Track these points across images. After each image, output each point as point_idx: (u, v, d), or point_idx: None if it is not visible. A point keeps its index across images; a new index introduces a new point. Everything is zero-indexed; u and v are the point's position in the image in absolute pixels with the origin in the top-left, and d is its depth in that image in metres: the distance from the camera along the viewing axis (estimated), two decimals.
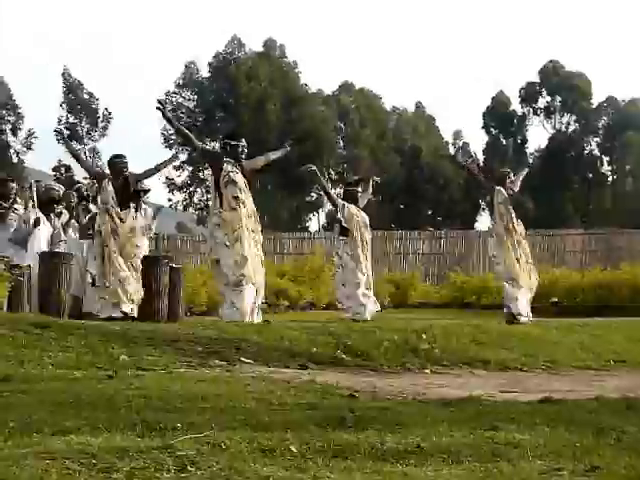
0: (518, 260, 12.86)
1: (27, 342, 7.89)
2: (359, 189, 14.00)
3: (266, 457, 3.84)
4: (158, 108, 11.07)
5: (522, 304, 12.81)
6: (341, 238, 13.31)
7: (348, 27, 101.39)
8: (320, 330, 9.77)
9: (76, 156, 12.08)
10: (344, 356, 8.88)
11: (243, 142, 11.33)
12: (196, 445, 3.94)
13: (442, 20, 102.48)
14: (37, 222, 11.85)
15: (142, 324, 9.67)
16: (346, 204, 13.37)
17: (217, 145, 11.41)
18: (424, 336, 9.87)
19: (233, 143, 11.20)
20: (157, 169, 12.13)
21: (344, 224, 13.26)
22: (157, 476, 3.40)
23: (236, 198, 10.81)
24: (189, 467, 3.55)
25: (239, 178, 10.92)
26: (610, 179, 69.59)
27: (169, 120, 11.19)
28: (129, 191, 11.21)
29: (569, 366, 9.62)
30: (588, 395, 6.64)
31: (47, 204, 12.13)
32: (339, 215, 13.42)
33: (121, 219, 11.01)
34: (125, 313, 10.77)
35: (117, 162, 11.45)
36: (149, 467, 3.51)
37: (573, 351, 10.43)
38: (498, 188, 13.04)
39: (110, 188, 10.98)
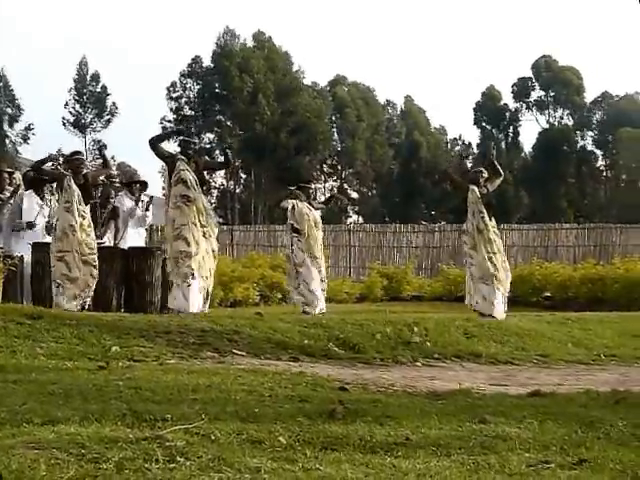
0: (490, 259, 12.96)
1: (19, 332, 7.90)
2: (312, 186, 14.30)
3: (255, 448, 3.85)
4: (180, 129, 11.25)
5: (496, 302, 12.88)
6: (294, 235, 13.39)
7: (339, 20, 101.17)
8: (312, 323, 9.78)
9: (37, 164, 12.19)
10: (336, 349, 8.90)
11: (196, 140, 11.66)
12: (186, 436, 3.95)
13: (433, 14, 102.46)
14: (30, 226, 12.01)
15: (134, 316, 9.68)
16: (297, 204, 13.41)
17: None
18: (416, 329, 9.89)
19: (181, 139, 11.39)
20: (109, 166, 13.53)
21: (295, 225, 13.34)
22: (146, 466, 3.41)
23: (183, 196, 10.88)
24: (178, 458, 3.56)
25: (189, 176, 10.99)
26: (604, 174, 69.71)
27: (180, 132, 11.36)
28: (89, 188, 11.40)
29: (560, 360, 9.64)
30: (578, 389, 6.66)
31: (38, 184, 12.29)
32: (289, 217, 13.48)
33: (83, 216, 11.14)
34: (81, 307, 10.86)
35: (75, 160, 11.61)
36: (138, 457, 3.52)
37: (564, 345, 10.46)
38: (472, 187, 13.14)
39: (74, 187, 11.10)
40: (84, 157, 12.20)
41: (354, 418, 4.67)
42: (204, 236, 11.02)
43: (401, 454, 3.90)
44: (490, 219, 13.13)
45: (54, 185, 12.67)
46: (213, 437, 3.98)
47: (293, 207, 13.40)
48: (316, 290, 13.22)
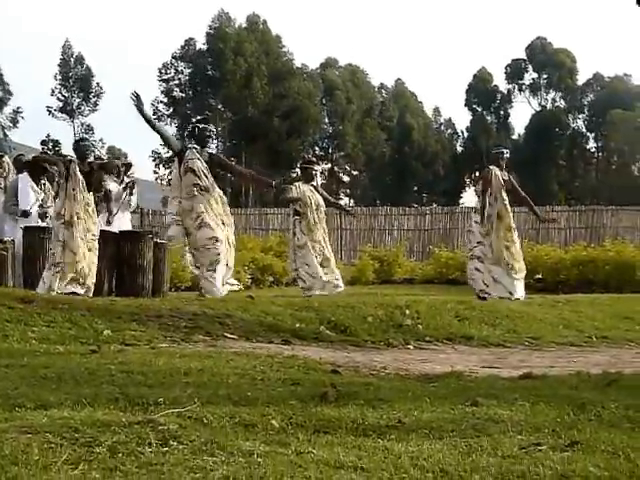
0: (508, 248, 12.80)
1: (11, 317, 7.88)
2: (315, 167, 14.12)
3: (248, 432, 3.85)
4: (134, 99, 11.07)
5: (500, 286, 12.78)
6: (295, 217, 13.30)
7: (331, 2, 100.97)
8: (304, 306, 9.79)
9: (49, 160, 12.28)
10: (328, 332, 8.91)
11: (211, 127, 11.47)
12: (178, 419, 3.95)
13: None
14: (25, 214, 12.07)
15: (126, 299, 9.67)
16: (300, 186, 13.30)
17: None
18: (408, 312, 9.91)
19: (202, 126, 11.30)
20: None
21: (297, 208, 13.23)
22: (139, 450, 3.41)
23: (195, 185, 10.84)
24: (171, 441, 3.56)
25: (198, 165, 10.95)
26: (595, 156, 69.79)
27: (142, 113, 11.13)
28: (92, 177, 11.46)
29: (552, 342, 9.67)
30: (569, 371, 6.68)
31: (35, 170, 12.31)
32: (292, 195, 13.33)
33: (88, 203, 11.19)
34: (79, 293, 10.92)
35: (82, 146, 11.65)
36: (131, 441, 3.52)
37: (556, 327, 10.49)
38: (494, 170, 12.90)
39: (80, 175, 11.14)
40: (90, 143, 12.32)
41: (346, 401, 4.68)
42: (222, 224, 11.06)
43: (394, 437, 3.91)
44: (508, 206, 12.91)
45: (54, 170, 12.70)
46: (206, 421, 3.99)
47: (297, 189, 13.29)
48: (315, 273, 13.14)
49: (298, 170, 13.74)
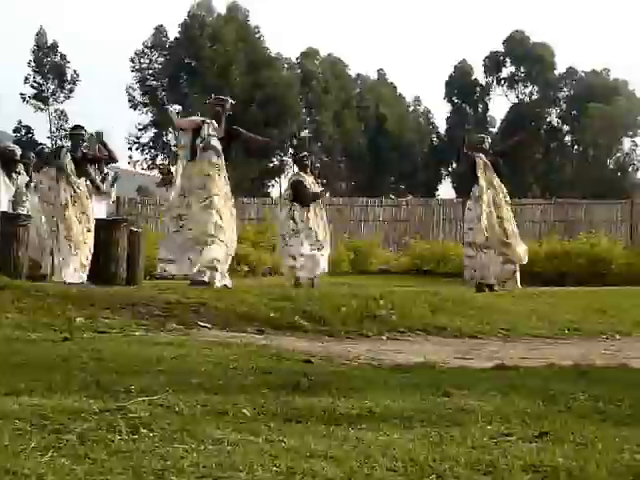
0: (500, 224, 13.00)
1: None
2: (306, 153, 14.36)
3: (219, 420, 3.85)
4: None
5: (496, 272, 12.97)
6: (294, 203, 13.38)
7: None
8: (279, 295, 9.79)
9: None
10: (302, 321, 8.91)
11: (230, 100, 11.19)
12: (149, 407, 3.94)
13: None
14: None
15: (100, 287, 9.65)
16: (300, 175, 13.39)
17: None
18: (382, 302, 9.92)
19: (223, 97, 11.09)
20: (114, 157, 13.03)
21: (291, 195, 13.33)
22: (109, 437, 3.40)
23: (214, 164, 10.65)
24: (141, 429, 3.55)
25: (218, 144, 10.70)
26: (571, 150, 70.03)
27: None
28: (86, 161, 11.51)
29: (525, 334, 9.71)
30: (541, 362, 6.72)
31: (7, 164, 12.26)
32: (290, 188, 13.43)
33: (80, 188, 11.29)
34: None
35: (76, 134, 11.74)
36: (102, 429, 3.51)
37: (529, 319, 10.53)
38: (478, 154, 13.16)
39: (69, 159, 11.20)
40: (85, 131, 12.29)
41: (318, 390, 4.68)
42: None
43: (364, 426, 3.91)
44: (500, 188, 13.18)
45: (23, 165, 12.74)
46: (177, 409, 3.98)
47: (298, 176, 13.41)
48: (313, 255, 13.28)
49: (292, 163, 13.83)
